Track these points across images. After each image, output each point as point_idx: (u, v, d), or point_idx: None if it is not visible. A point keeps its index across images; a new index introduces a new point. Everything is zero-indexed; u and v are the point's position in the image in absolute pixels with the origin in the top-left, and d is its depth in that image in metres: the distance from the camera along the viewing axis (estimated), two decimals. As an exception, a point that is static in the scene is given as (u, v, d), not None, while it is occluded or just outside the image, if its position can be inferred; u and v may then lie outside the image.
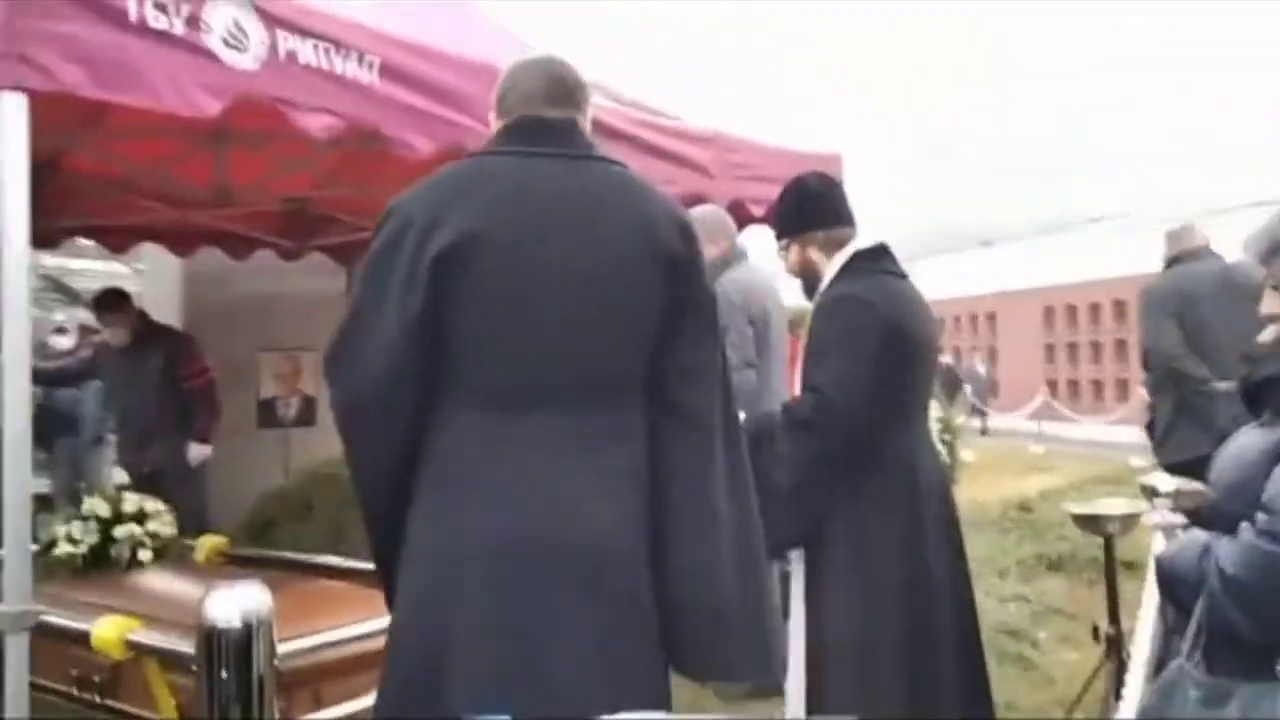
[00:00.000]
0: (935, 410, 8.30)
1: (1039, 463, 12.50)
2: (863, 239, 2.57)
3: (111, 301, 4.94)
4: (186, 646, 2.07)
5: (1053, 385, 22.27)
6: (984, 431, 19.54)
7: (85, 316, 6.81)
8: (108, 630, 2.28)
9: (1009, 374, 23.57)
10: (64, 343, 6.30)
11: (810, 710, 2.33)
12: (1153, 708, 1.80)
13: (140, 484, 4.78)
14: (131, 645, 2.29)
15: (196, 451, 4.93)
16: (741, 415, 2.59)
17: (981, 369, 21.73)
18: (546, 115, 1.68)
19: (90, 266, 10.70)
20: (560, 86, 1.71)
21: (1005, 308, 25.43)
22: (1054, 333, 24.05)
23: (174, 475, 4.84)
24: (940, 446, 8.06)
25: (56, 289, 10.44)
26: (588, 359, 1.58)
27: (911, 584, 2.31)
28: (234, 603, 1.96)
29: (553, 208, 1.59)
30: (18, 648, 2.12)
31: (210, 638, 1.93)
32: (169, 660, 2.24)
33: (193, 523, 4.45)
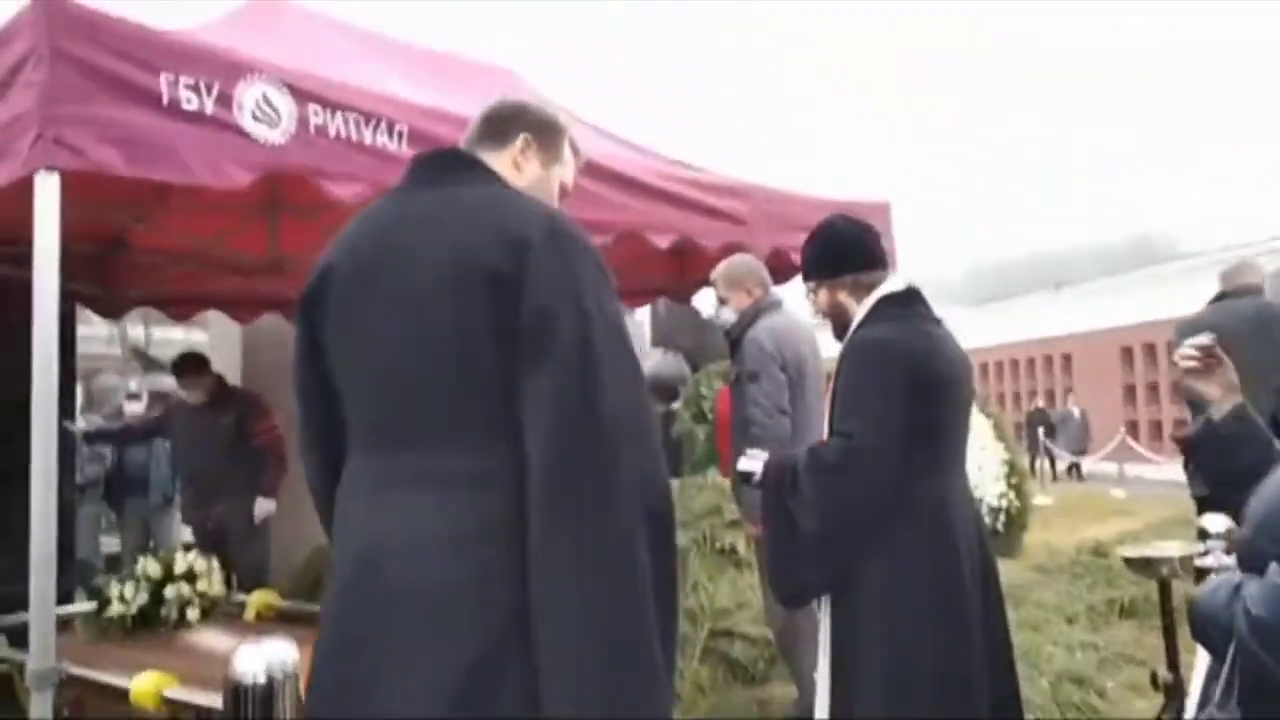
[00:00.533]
0: (1002, 453, 8.13)
1: (1120, 507, 12.08)
2: (898, 282, 2.54)
3: (192, 364, 5.10)
4: (219, 702, 2.11)
5: (1133, 426, 21.50)
6: (1068, 475, 18.94)
7: (160, 383, 7.03)
8: (146, 686, 2.34)
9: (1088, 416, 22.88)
10: (136, 409, 6.52)
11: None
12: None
13: (204, 540, 4.89)
14: (168, 701, 2.34)
15: (261, 506, 4.98)
16: (764, 458, 2.57)
17: (1076, 413, 20.68)
18: (434, 151, 1.69)
19: (169, 335, 11.15)
20: (488, 124, 1.72)
21: (1080, 349, 24.75)
22: (1133, 373, 23.31)
23: (238, 531, 4.94)
24: (1007, 489, 7.89)
25: (135, 356, 10.88)
26: (416, 393, 1.48)
27: (944, 636, 2.23)
28: (260, 658, 1.98)
29: (389, 237, 1.56)
30: (42, 703, 2.20)
31: (236, 692, 1.96)
32: (203, 716, 2.29)
33: (253, 578, 4.53)
